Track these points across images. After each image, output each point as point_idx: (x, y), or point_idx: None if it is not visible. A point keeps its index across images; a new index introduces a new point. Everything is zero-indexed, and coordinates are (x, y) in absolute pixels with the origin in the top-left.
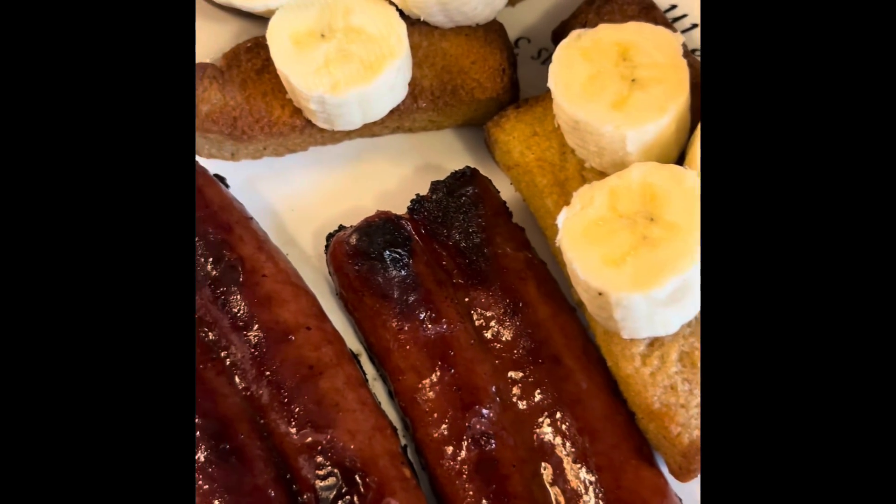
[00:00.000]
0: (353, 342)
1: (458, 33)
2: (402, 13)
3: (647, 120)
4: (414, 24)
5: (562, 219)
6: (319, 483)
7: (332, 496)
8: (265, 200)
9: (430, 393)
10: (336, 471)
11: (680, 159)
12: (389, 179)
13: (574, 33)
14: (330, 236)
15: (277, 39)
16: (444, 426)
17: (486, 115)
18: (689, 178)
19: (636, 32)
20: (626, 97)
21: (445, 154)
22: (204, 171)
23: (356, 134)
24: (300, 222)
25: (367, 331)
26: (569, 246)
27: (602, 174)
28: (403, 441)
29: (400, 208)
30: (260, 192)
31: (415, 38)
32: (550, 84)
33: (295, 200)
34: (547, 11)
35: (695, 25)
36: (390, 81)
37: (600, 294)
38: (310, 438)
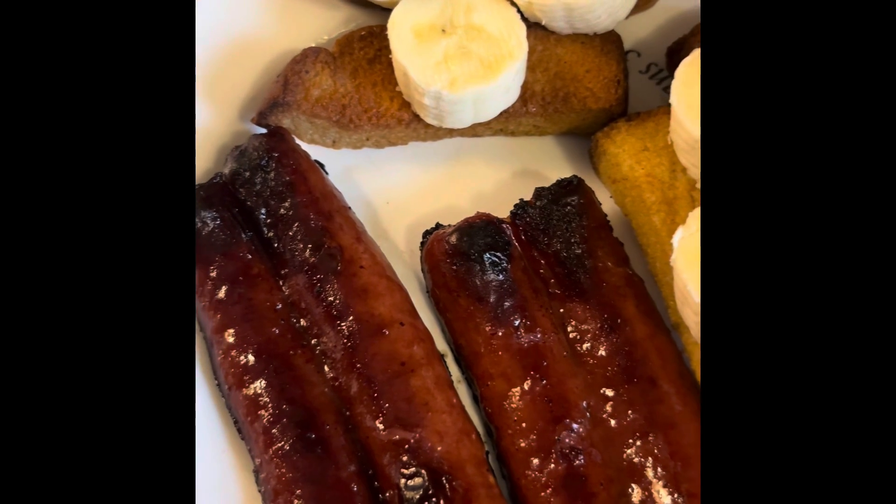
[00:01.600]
0: (440, 342)
1: (574, 40)
2: (521, 15)
3: None
4: (530, 26)
5: (677, 238)
6: (404, 482)
7: (417, 497)
8: (361, 191)
9: (520, 402)
10: (423, 472)
11: None
12: (486, 181)
13: (697, 51)
14: (427, 233)
15: (399, 30)
16: (532, 437)
17: (592, 126)
18: None
19: None
20: None
21: (544, 161)
22: (307, 156)
23: (458, 133)
24: (394, 216)
25: (458, 332)
26: (683, 266)
27: None
28: (485, 447)
29: (496, 211)
30: (357, 182)
31: (530, 41)
32: (672, 101)
33: (391, 193)
34: (659, 27)
35: None
36: (507, 83)
37: None
38: (397, 436)
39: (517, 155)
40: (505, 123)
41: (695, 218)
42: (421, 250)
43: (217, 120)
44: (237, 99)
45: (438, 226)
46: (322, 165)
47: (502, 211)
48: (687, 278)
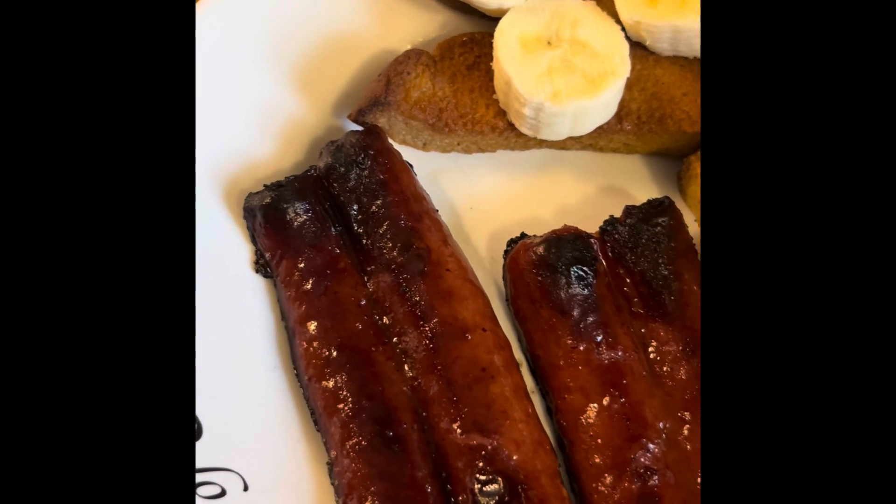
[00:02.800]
0: (514, 352)
1: (674, 62)
2: (625, 33)
3: None
4: (631, 46)
5: None
6: (479, 487)
7: (492, 503)
8: (446, 195)
9: (597, 417)
10: (499, 479)
11: None
12: (571, 195)
13: None
14: (512, 241)
15: (506, 39)
16: (607, 453)
17: (683, 149)
18: None
19: None
20: None
21: (631, 179)
22: (400, 156)
23: (547, 144)
24: (477, 222)
25: (537, 343)
26: None
27: None
28: (558, 461)
29: (579, 226)
30: (442, 186)
31: (629, 59)
32: None
33: (475, 200)
34: None
35: None
36: (608, 100)
37: None
38: (475, 441)
39: (604, 171)
40: (596, 139)
41: None
42: (504, 258)
43: (312, 114)
44: (332, 95)
45: (524, 235)
46: (411, 166)
47: (586, 226)
48: None
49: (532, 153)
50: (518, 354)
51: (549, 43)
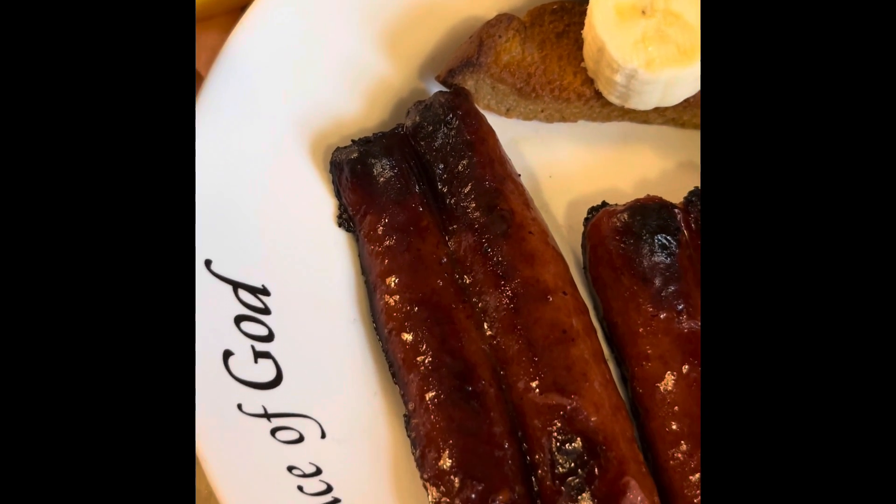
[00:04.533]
0: None
1: None
2: None
3: None
4: None
5: None
6: (558, 446)
7: (571, 463)
8: (526, 163)
9: (675, 386)
10: (578, 439)
11: None
12: (651, 169)
13: None
14: (593, 209)
15: (602, 6)
16: (685, 421)
17: None
18: None
19: None
20: None
21: None
22: (486, 119)
23: (629, 117)
24: (556, 190)
25: (616, 310)
26: None
27: None
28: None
29: (663, 197)
30: (522, 153)
31: None
32: None
33: (555, 168)
34: None
35: None
36: (699, 71)
37: None
38: (554, 401)
39: (685, 146)
40: (681, 113)
41: None
42: (584, 226)
43: (398, 75)
44: (419, 57)
45: (605, 204)
46: (494, 132)
47: (665, 198)
48: None
49: (613, 125)
50: (594, 323)
51: (643, 12)
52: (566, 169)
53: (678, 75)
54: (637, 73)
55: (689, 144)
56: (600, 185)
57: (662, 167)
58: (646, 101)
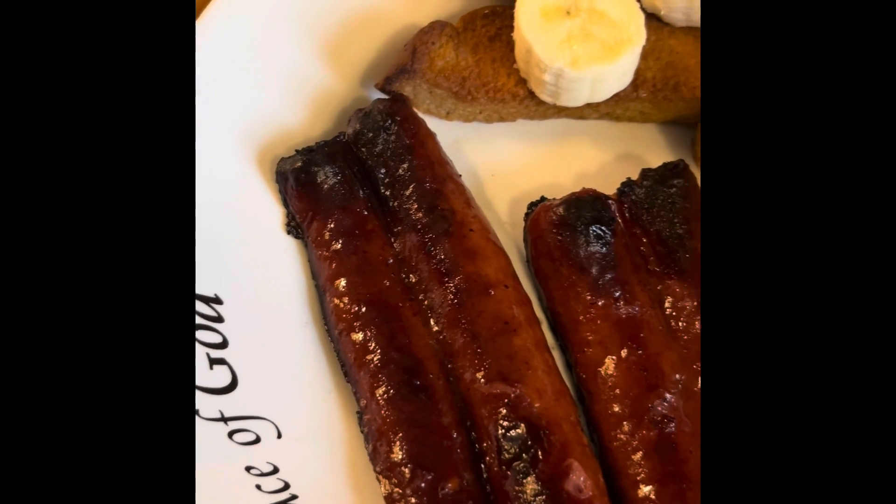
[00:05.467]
0: (535, 310)
1: (687, 33)
2: (640, 4)
3: None
4: (646, 17)
5: None
6: (503, 433)
7: (515, 448)
8: (469, 163)
9: (615, 369)
10: (522, 425)
11: None
12: (590, 162)
13: None
14: (532, 205)
15: (527, 9)
16: (625, 403)
17: (696, 117)
18: None
19: None
20: None
21: (647, 147)
22: (425, 123)
23: (565, 113)
24: (499, 188)
25: (557, 300)
26: None
27: None
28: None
29: (598, 190)
30: (465, 154)
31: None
32: None
33: (497, 167)
34: None
35: None
36: (625, 66)
37: None
38: (498, 390)
39: (621, 139)
40: (613, 107)
41: None
42: (525, 221)
43: (341, 84)
44: (361, 66)
45: (544, 199)
46: (434, 135)
47: (604, 190)
48: None
49: (551, 122)
50: (538, 313)
51: (568, 13)
52: (508, 167)
53: (603, 72)
54: (563, 72)
55: (624, 137)
56: (541, 181)
57: (601, 160)
58: (575, 97)
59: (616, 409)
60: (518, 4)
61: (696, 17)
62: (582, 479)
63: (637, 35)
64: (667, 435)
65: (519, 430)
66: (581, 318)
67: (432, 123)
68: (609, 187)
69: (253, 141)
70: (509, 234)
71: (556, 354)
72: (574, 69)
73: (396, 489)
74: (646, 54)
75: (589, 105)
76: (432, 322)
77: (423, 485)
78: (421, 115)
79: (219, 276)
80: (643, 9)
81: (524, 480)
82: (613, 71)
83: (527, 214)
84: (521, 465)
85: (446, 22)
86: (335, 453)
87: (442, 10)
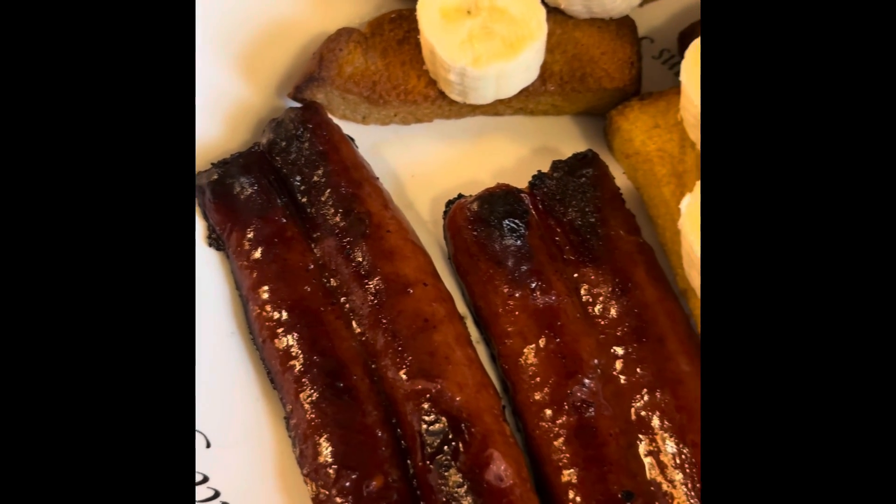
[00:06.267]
0: (460, 306)
1: (591, 24)
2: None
3: None
4: (550, 11)
5: (685, 203)
6: (426, 428)
7: (437, 442)
8: (388, 165)
9: (535, 358)
10: (443, 418)
11: None
12: (507, 157)
13: None
14: (450, 202)
15: (428, 11)
16: (545, 390)
17: (607, 106)
18: None
19: None
20: None
21: (562, 138)
22: (339, 129)
23: (481, 111)
24: (419, 188)
25: (478, 294)
26: (690, 229)
27: None
28: (502, 402)
29: (516, 184)
30: (384, 156)
31: (549, 25)
32: (682, 78)
33: (416, 167)
34: (673, 15)
35: None
36: (527, 62)
37: None
38: (420, 386)
39: (536, 133)
40: (525, 102)
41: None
42: (444, 219)
43: (256, 95)
44: (275, 76)
45: (461, 196)
46: (352, 140)
47: (521, 184)
48: (693, 241)
49: (468, 121)
50: (462, 308)
51: (468, 12)
52: (427, 167)
53: (506, 68)
54: (467, 71)
55: (540, 130)
56: (460, 179)
57: (518, 155)
58: (482, 95)
59: (537, 397)
60: (419, 7)
61: (596, 9)
62: (502, 468)
63: (538, 30)
64: (587, 420)
65: (440, 424)
66: (500, 310)
67: (350, 128)
68: (526, 181)
69: None
70: (431, 232)
71: (483, 348)
72: (476, 67)
73: (322, 490)
74: (552, 48)
75: (501, 101)
76: (354, 324)
77: (347, 484)
78: (337, 120)
79: None
80: (546, 3)
81: (446, 473)
82: (516, 67)
83: (445, 212)
84: (443, 458)
85: (353, 28)
86: (265, 459)
87: (355, 16)
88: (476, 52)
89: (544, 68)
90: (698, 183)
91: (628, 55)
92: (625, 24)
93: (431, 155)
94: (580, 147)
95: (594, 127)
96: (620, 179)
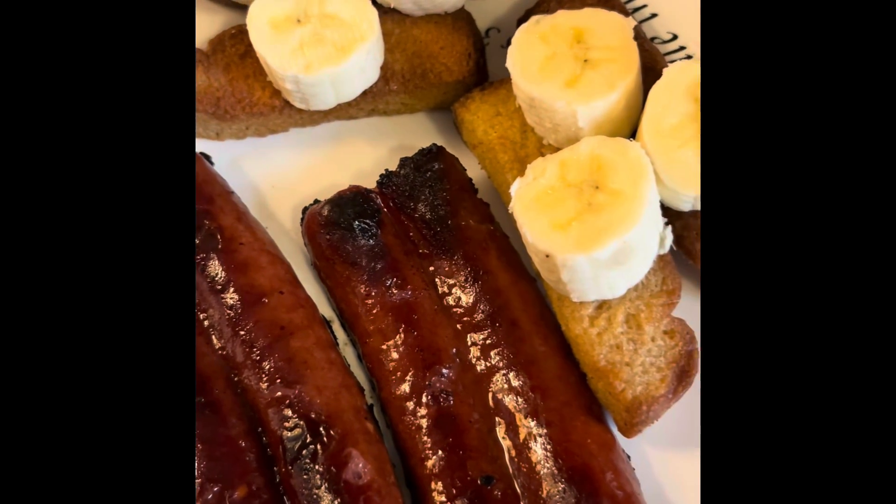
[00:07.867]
0: (326, 310)
1: (428, 21)
2: (374, 2)
3: (597, 96)
4: (387, 12)
5: (514, 188)
6: (287, 434)
7: (297, 446)
8: (248, 178)
9: (394, 354)
10: (302, 423)
11: (633, 136)
12: (365, 159)
13: (533, 18)
14: (305, 209)
15: (256, 23)
16: (406, 384)
17: (455, 98)
18: (633, 150)
19: (591, 17)
20: (578, 76)
21: (419, 135)
22: None
23: (333, 116)
24: (280, 198)
25: (338, 297)
26: (520, 212)
27: (558, 150)
28: (370, 401)
29: (374, 185)
30: (244, 170)
31: (388, 25)
32: (509, 64)
33: (276, 178)
34: (517, 4)
35: (654, 15)
36: (360, 63)
37: (547, 256)
38: (279, 393)
39: (392, 132)
40: (374, 103)
41: (532, 169)
42: (302, 226)
43: None
44: None
45: (316, 202)
46: (208, 156)
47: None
48: (523, 222)
49: (323, 127)
50: (330, 312)
51: (298, 21)
52: (287, 176)
53: (339, 72)
54: (300, 79)
55: (396, 130)
56: (320, 185)
57: (376, 156)
58: (323, 100)
59: (399, 391)
60: (248, 20)
61: (426, 5)
62: (360, 465)
63: (369, 32)
64: (445, 409)
65: (299, 429)
66: (360, 310)
67: (205, 146)
68: None
69: None
70: (295, 241)
71: (350, 350)
72: (308, 74)
73: None
74: (391, 48)
75: (351, 105)
76: (214, 339)
77: (210, 497)
78: None
79: None
80: (380, 5)
81: (307, 476)
82: (349, 70)
83: (302, 219)
84: (304, 461)
85: (196, 49)
86: None
87: (201, 36)
88: (307, 59)
89: (386, 68)
90: (529, 166)
91: (465, 47)
92: (461, 17)
93: (290, 164)
94: (437, 141)
95: (449, 121)
96: (476, 169)
